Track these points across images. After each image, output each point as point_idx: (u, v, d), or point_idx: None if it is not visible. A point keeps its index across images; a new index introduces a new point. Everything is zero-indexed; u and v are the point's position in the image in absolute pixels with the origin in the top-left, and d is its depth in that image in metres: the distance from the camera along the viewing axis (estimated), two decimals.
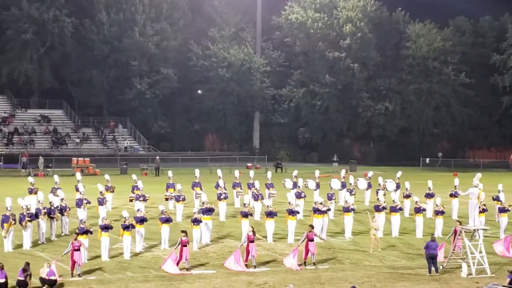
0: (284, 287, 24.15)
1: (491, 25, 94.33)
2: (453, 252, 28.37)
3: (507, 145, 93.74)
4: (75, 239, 26.56)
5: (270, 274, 26.97)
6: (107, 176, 42.70)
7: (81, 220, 28.96)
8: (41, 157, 69.35)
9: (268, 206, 33.78)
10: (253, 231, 28.48)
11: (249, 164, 74.21)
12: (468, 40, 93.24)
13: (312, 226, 29.59)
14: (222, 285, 25.26)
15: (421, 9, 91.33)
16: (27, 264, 24.44)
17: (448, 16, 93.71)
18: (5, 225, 30.10)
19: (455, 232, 28.62)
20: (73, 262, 26.13)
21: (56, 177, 41.40)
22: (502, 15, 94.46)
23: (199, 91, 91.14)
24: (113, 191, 40.83)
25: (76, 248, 26.16)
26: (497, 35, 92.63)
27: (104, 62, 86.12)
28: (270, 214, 32.76)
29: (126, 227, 29.02)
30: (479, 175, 30.66)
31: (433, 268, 27.28)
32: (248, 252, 28.13)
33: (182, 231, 28.18)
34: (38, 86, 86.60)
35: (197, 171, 43.23)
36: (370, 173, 46.98)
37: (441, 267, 28.04)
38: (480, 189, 29.82)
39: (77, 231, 28.02)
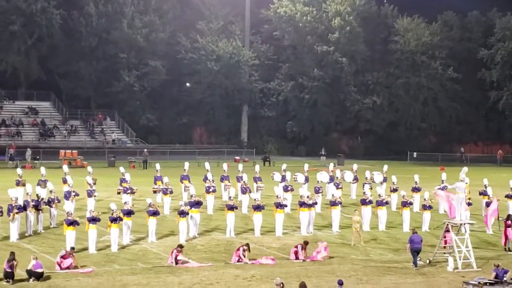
0: (271, 280, 24.19)
1: (479, 20, 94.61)
2: (444, 247, 28.59)
3: (494, 139, 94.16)
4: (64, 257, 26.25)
5: (257, 267, 27.01)
6: (89, 169, 42.60)
7: (68, 212, 28.94)
8: (28, 149, 69.09)
9: (255, 199, 33.82)
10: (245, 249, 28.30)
11: (237, 158, 74.25)
12: (456, 35, 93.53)
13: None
14: (209, 278, 25.27)
15: (410, 4, 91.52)
16: (12, 253, 24.39)
17: (436, 11, 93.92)
18: None
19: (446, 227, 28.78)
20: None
21: (43, 169, 41.32)
22: (490, 10, 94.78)
23: (188, 84, 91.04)
24: (95, 183, 40.63)
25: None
26: (485, 30, 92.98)
27: (92, 54, 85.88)
28: (257, 208, 32.81)
29: (114, 220, 29.02)
30: (465, 169, 30.72)
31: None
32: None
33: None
34: (26, 78, 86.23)
35: (186, 164, 43.23)
36: (355, 166, 47.05)
37: (427, 260, 28.20)
38: (466, 183, 29.90)
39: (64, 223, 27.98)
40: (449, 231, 28.28)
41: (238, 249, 27.84)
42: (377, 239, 33.20)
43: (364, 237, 32.19)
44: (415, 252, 27.42)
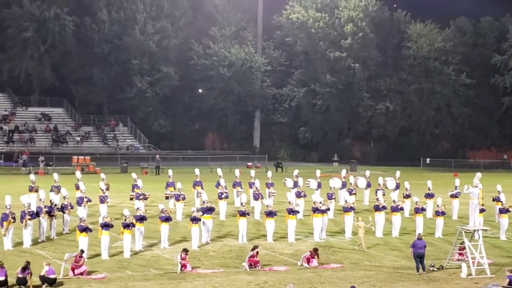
0: (284, 286, 24.13)
1: (492, 25, 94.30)
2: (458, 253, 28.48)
3: (507, 145, 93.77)
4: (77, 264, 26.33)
5: (270, 273, 26.95)
6: (102, 175, 42.67)
7: (81, 218, 28.97)
8: (41, 156, 69.34)
9: (268, 205, 33.76)
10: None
11: (249, 164, 74.22)
12: (469, 40, 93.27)
13: None
14: (222, 284, 25.23)
15: (422, 9, 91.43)
16: (28, 262, 24.46)
17: (449, 16, 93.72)
18: (5, 223, 30.05)
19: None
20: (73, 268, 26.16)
21: (55, 175, 41.37)
22: (503, 16, 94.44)
23: (200, 90, 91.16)
24: (108, 189, 40.60)
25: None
26: (498, 35, 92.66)
27: (104, 60, 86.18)
28: (270, 214, 32.74)
29: (127, 226, 29.02)
30: (479, 174, 30.53)
31: (420, 267, 27.32)
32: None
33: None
34: (39, 84, 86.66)
35: (197, 170, 43.25)
36: (368, 172, 46.95)
37: (441, 266, 28.07)
38: (480, 189, 29.74)
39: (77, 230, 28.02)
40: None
41: (252, 256, 27.74)
42: (390, 245, 33.05)
43: (375, 243, 32.06)
44: (418, 257, 27.30)
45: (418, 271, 27.21)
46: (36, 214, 31.60)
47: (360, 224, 31.81)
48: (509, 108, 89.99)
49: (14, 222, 30.48)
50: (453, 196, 40.85)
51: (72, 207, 34.40)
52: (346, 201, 36.35)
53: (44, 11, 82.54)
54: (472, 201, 28.87)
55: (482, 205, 35.25)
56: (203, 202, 33.65)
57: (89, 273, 25.89)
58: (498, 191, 39.21)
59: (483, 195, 34.75)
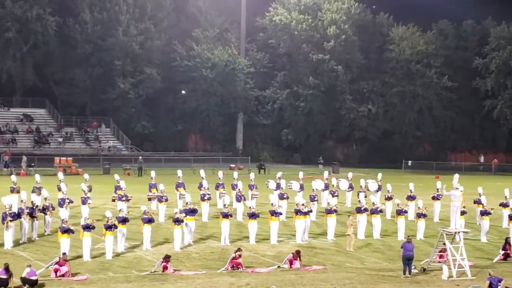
0: None
1: (474, 29, 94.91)
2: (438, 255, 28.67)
3: (489, 148, 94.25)
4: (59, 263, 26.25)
5: (252, 275, 27.00)
6: (86, 176, 42.55)
7: (63, 219, 28.91)
8: (23, 156, 68.97)
9: (250, 207, 33.81)
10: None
11: (232, 165, 74.22)
12: (451, 43, 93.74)
13: None
14: (204, 286, 25.25)
15: (405, 12, 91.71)
16: (7, 264, 24.34)
17: (431, 19, 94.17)
18: None
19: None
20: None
21: (37, 176, 41.21)
22: (484, 19, 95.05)
23: (183, 92, 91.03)
24: (90, 190, 40.48)
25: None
26: (480, 39, 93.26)
27: (87, 61, 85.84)
28: (252, 215, 32.80)
29: (109, 227, 28.99)
30: (456, 176, 30.79)
31: (407, 270, 27.45)
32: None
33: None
34: (21, 84, 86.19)
35: (179, 172, 43.26)
36: (350, 174, 47.12)
37: (422, 268, 28.22)
38: (461, 191, 29.94)
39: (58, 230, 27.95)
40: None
41: (235, 258, 27.77)
42: (372, 247, 33.20)
43: (358, 245, 32.19)
44: (407, 259, 27.41)
45: (404, 273, 27.32)
46: (17, 215, 31.48)
47: (350, 222, 31.95)
48: (490, 111, 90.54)
49: None
50: (434, 198, 41.12)
51: (53, 208, 34.30)
52: (328, 203, 36.49)
53: (27, 11, 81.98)
54: (453, 203, 29.07)
55: (464, 207, 35.51)
56: (186, 203, 33.67)
57: (72, 275, 25.83)
58: (479, 194, 39.50)
59: (464, 198, 35.07)
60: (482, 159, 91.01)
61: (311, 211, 35.91)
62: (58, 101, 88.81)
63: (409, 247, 27.47)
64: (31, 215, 32.44)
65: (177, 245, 31.05)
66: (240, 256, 27.77)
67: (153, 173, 43.21)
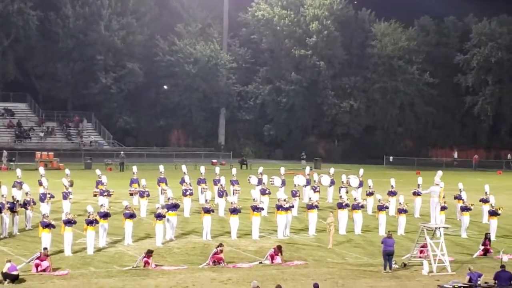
0: (247, 283, 24.24)
1: (455, 25, 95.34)
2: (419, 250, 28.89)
3: (469, 144, 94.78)
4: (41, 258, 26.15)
5: (234, 270, 27.05)
6: (67, 171, 42.40)
7: (44, 214, 28.84)
8: (4, 151, 68.61)
9: (232, 202, 33.85)
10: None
11: (214, 160, 74.26)
12: (433, 39, 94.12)
13: None
14: (185, 281, 25.28)
15: (387, 8, 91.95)
16: None
17: (413, 15, 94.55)
18: None
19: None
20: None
21: (18, 171, 41.05)
22: (466, 16, 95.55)
23: (165, 87, 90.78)
24: (72, 185, 40.33)
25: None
26: (461, 35, 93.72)
27: (69, 55, 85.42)
28: (234, 211, 32.86)
29: (90, 222, 28.94)
30: (440, 173, 30.96)
31: (388, 265, 27.60)
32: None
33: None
34: (2, 79, 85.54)
35: (161, 167, 43.29)
36: (332, 170, 47.28)
37: (402, 264, 28.39)
38: (441, 187, 30.14)
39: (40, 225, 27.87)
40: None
41: (216, 253, 27.80)
42: (353, 243, 33.35)
43: (339, 240, 32.32)
44: (387, 255, 27.56)
45: (385, 269, 27.47)
46: None
47: (330, 220, 32.03)
48: (471, 107, 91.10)
49: None
50: (415, 194, 41.36)
51: (34, 203, 34.20)
52: (310, 198, 36.64)
53: (8, 5, 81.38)
54: (433, 199, 29.27)
55: (444, 203, 35.74)
56: (168, 198, 33.69)
57: (53, 270, 25.78)
58: (460, 189, 39.80)
59: (444, 194, 35.30)
60: (456, 154, 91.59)
61: (292, 206, 36.05)
62: (39, 95, 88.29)
63: (390, 243, 27.61)
64: (12, 210, 32.31)
65: (158, 240, 31.07)
66: (221, 251, 27.81)
67: (135, 168, 43.19)
